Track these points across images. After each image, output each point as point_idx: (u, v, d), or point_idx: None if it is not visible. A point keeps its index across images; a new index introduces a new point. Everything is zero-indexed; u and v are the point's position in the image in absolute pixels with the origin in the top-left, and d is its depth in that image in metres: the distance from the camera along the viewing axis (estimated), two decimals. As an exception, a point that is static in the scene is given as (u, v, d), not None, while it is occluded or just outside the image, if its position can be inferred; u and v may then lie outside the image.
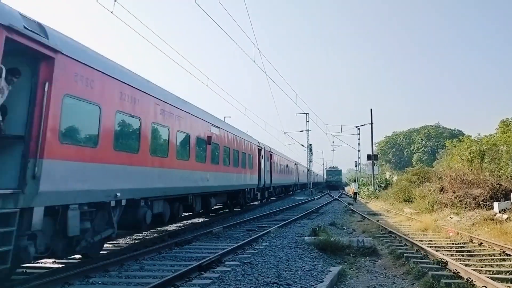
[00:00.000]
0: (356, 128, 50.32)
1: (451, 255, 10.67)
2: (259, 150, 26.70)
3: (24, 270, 8.29)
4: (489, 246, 11.66)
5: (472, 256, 10.68)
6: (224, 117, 37.29)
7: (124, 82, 9.35)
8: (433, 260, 9.66)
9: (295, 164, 50.47)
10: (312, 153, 53.03)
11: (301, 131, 51.46)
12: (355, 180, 52.89)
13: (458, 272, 8.36)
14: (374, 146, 51.43)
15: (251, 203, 27.02)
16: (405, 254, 10.40)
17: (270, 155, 31.25)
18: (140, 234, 13.73)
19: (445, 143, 49.74)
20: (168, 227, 15.70)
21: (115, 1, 11.22)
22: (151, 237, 13.14)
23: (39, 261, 9.11)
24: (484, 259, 10.29)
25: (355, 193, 38.41)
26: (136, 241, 12.37)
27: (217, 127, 17.07)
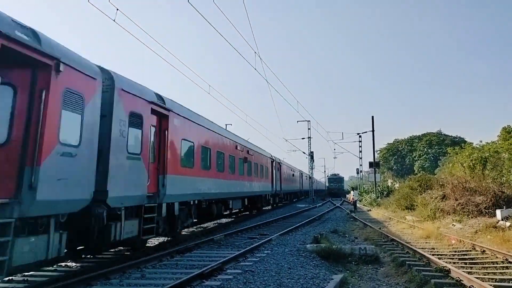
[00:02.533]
0: (358, 136, 50.33)
1: (454, 262, 10.62)
2: (272, 162, 31.64)
3: (26, 278, 8.28)
4: (492, 253, 11.60)
5: (474, 264, 10.62)
6: (226, 124, 37.34)
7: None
8: (436, 268, 9.61)
9: (300, 173, 53.54)
10: (313, 161, 53.02)
11: (302, 138, 51.55)
12: (354, 188, 52.38)
13: (460, 280, 8.32)
14: (375, 153, 51.37)
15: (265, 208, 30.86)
16: (407, 262, 10.36)
17: (280, 165, 35.89)
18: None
19: (447, 151, 49.67)
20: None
21: (117, 9, 11.32)
22: (152, 244, 13.10)
23: (41, 268, 9.12)
24: (487, 267, 10.23)
25: (355, 202, 36.42)
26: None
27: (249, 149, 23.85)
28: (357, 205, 36.91)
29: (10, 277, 8.24)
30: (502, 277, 8.98)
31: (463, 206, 20.27)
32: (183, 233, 15.34)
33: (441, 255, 11.89)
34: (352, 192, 39.61)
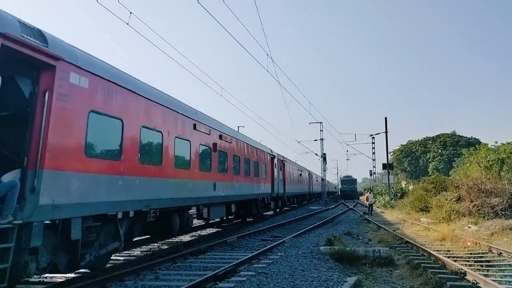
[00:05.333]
0: (371, 137, 49.98)
1: (470, 265, 10.50)
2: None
3: (42, 279, 8.40)
4: (509, 256, 11.44)
5: (491, 267, 10.48)
6: (238, 126, 37.40)
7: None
8: (451, 270, 9.51)
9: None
10: (326, 163, 52.75)
11: (315, 140, 51.24)
12: (370, 190, 51.03)
13: (477, 283, 8.22)
14: (389, 155, 50.92)
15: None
16: (422, 264, 10.26)
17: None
18: (155, 244, 13.79)
19: (461, 152, 49.05)
20: (183, 237, 15.76)
21: (130, 13, 11.43)
22: (166, 247, 13.18)
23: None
24: (504, 270, 10.08)
25: (370, 205, 33.54)
26: (151, 251, 12.43)
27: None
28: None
29: (27, 278, 8.36)
30: (519, 280, 8.85)
31: (478, 208, 20.01)
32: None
33: (456, 257, 11.75)
34: (367, 193, 37.55)
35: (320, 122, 49.13)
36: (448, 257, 11.44)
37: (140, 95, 9.52)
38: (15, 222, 5.85)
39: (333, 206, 45.49)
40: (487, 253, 12.35)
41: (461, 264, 10.11)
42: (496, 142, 39.33)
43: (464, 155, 40.54)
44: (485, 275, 9.03)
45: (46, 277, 8.59)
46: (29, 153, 6.30)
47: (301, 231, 17.17)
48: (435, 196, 26.45)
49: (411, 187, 48.28)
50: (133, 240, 11.27)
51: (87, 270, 9.30)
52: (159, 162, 10.31)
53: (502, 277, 9.15)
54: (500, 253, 11.88)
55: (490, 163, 26.53)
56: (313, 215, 29.08)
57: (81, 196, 7.14)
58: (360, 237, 16.78)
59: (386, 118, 45.21)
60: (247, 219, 22.59)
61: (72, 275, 8.92)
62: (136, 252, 12.30)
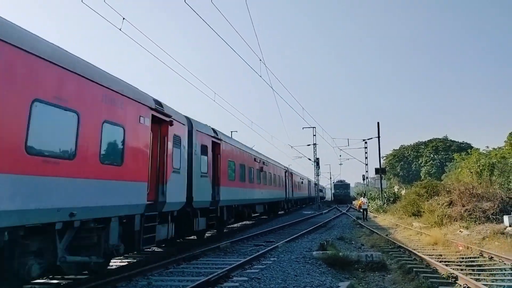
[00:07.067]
0: (363, 142, 50.16)
1: (461, 269, 10.55)
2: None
3: (33, 286, 8.32)
4: (500, 260, 11.52)
5: (482, 271, 10.55)
6: (231, 131, 37.48)
7: None
8: (443, 274, 9.57)
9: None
10: (319, 167, 52.89)
11: (308, 145, 51.49)
12: (363, 194, 49.90)
13: (468, 287, 8.27)
14: (382, 159, 51.12)
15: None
16: (414, 269, 10.32)
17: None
18: (149, 249, 13.71)
19: (453, 156, 49.33)
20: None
21: (123, 18, 11.46)
22: (159, 251, 13.12)
23: (48, 276, 9.16)
24: (495, 274, 10.16)
25: (365, 210, 31.54)
26: (144, 256, 12.37)
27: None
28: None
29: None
30: (510, 284, 8.92)
31: (470, 213, 20.15)
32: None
33: (448, 261, 11.82)
34: (361, 198, 35.86)
35: (313, 127, 49.47)
36: (440, 261, 11.50)
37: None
38: None
39: (326, 211, 45.55)
40: (478, 257, 12.44)
41: (453, 269, 10.17)
42: (487, 147, 39.70)
43: (456, 159, 40.77)
44: (477, 279, 9.10)
45: (36, 283, 8.52)
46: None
47: (294, 236, 17.18)
48: (427, 200, 26.59)
49: (403, 192, 48.46)
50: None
51: (80, 276, 9.25)
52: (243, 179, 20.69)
53: (493, 281, 9.22)
54: (491, 257, 11.97)
55: (481, 168, 26.74)
56: (306, 220, 29.11)
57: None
58: (353, 242, 16.83)
59: (378, 123, 45.48)
60: (269, 216, 31.09)
61: (64, 281, 8.86)
62: (129, 257, 12.22)
